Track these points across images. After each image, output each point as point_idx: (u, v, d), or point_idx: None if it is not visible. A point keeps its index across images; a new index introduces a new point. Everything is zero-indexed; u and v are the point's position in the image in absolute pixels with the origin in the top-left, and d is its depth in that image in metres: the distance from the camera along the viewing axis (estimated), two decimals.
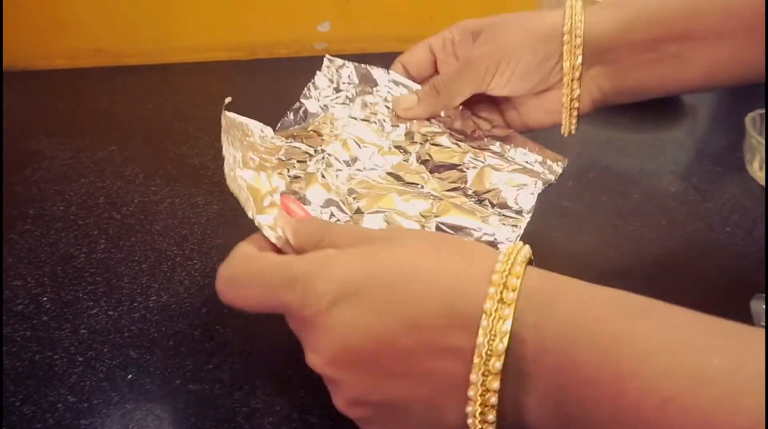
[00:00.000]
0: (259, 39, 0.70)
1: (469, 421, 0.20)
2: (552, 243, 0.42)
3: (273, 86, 0.65)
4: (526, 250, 0.22)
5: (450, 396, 0.20)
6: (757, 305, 0.34)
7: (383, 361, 0.20)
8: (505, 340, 0.19)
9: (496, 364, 0.18)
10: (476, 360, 0.19)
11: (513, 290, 0.19)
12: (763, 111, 0.49)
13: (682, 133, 0.59)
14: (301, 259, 0.22)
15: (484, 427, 0.19)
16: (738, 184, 0.49)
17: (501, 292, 0.19)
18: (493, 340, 0.19)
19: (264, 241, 0.27)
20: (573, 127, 0.36)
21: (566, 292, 0.20)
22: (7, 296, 0.36)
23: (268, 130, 0.35)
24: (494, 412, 0.19)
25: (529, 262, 0.22)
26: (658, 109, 0.64)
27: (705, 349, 0.16)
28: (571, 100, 0.34)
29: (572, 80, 0.33)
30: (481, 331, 0.19)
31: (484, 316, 0.19)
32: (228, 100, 0.31)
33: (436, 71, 0.39)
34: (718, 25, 0.30)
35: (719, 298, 0.38)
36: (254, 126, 0.35)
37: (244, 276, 0.24)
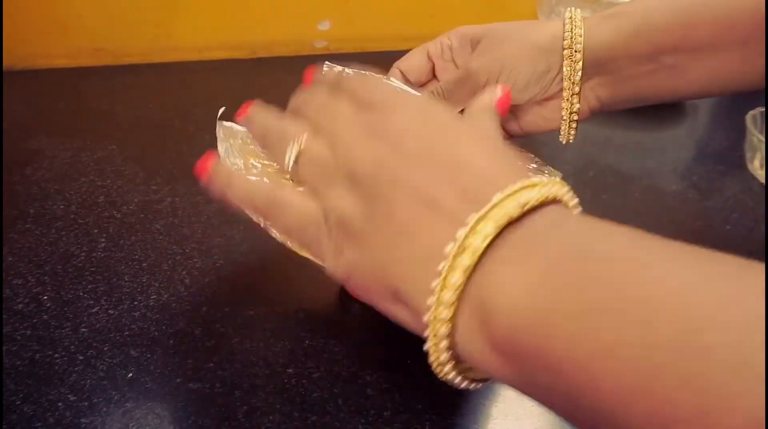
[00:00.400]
0: (259, 38, 0.70)
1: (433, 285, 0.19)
2: None
3: (273, 85, 0.65)
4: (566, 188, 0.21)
5: (437, 234, 0.19)
6: None
7: (417, 163, 0.21)
8: (499, 226, 0.18)
9: (489, 227, 0.18)
10: (471, 216, 0.19)
11: (538, 200, 0.19)
12: (764, 109, 0.49)
13: (682, 132, 0.59)
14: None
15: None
16: (739, 183, 0.49)
17: (522, 189, 0.19)
18: (498, 208, 0.19)
19: None
20: (572, 137, 0.36)
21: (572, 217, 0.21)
22: (8, 295, 0.36)
23: None
24: (462, 274, 0.18)
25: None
26: (659, 107, 0.64)
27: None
28: (571, 113, 0.34)
29: (572, 95, 0.33)
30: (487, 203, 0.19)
31: (500, 191, 0.19)
32: (222, 110, 0.31)
33: (434, 77, 0.39)
34: (714, 37, 0.31)
35: None
36: None
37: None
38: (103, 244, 0.40)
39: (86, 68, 0.66)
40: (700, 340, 0.14)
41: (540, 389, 0.18)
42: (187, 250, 0.40)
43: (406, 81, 0.38)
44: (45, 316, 0.34)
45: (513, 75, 0.33)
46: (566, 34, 0.32)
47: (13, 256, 0.39)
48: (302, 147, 0.25)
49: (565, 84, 0.33)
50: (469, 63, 0.34)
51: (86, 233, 0.41)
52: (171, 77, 0.65)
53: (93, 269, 0.38)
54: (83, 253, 0.39)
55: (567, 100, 0.34)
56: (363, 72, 0.31)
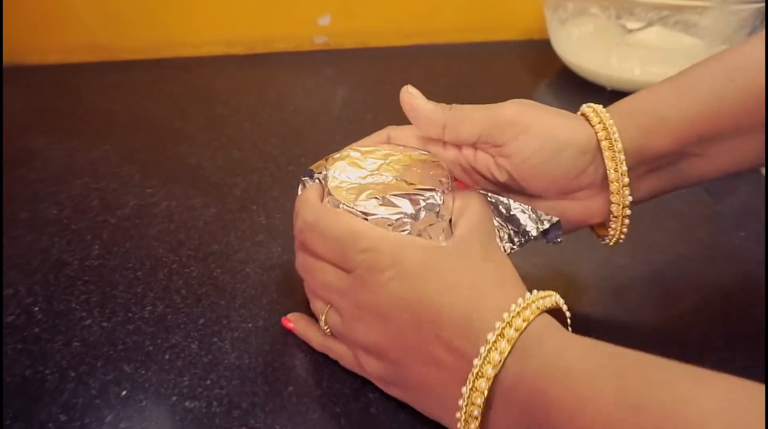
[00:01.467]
0: (258, 33, 0.68)
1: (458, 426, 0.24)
2: (559, 248, 0.40)
3: (272, 81, 0.64)
4: (549, 301, 0.25)
5: (449, 387, 0.24)
6: None
7: (408, 330, 0.25)
8: (495, 369, 0.23)
9: (482, 383, 0.23)
10: (469, 376, 0.23)
11: (516, 330, 0.23)
12: None
13: None
14: (378, 234, 0.27)
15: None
16: (751, 186, 0.48)
17: (503, 329, 0.23)
18: (486, 365, 0.23)
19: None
20: (623, 237, 0.33)
21: (551, 337, 0.24)
22: None
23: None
24: (476, 422, 0.23)
25: (555, 311, 0.25)
26: None
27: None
28: (623, 207, 0.31)
29: (622, 187, 0.30)
30: (477, 358, 0.23)
31: (483, 345, 0.23)
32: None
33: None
34: (738, 123, 0.30)
35: (734, 307, 0.37)
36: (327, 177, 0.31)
37: (328, 225, 0.28)
38: (96, 251, 0.39)
39: (81, 64, 0.64)
40: None
41: None
42: (183, 258, 0.38)
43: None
44: (36, 330, 0.33)
45: (545, 133, 0.30)
46: (599, 130, 0.30)
47: (4, 263, 0.38)
48: (324, 320, 0.30)
49: (612, 177, 0.30)
50: (501, 105, 0.31)
51: (80, 239, 0.40)
52: (167, 74, 0.64)
53: (86, 278, 0.37)
54: (76, 261, 0.38)
55: (617, 192, 0.30)
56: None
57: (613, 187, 0.30)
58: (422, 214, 0.28)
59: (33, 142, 0.50)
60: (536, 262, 0.39)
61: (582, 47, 0.62)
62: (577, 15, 0.62)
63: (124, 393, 0.30)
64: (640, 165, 0.31)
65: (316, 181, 0.32)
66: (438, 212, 0.29)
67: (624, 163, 0.30)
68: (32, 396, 0.29)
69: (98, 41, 0.65)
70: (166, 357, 0.32)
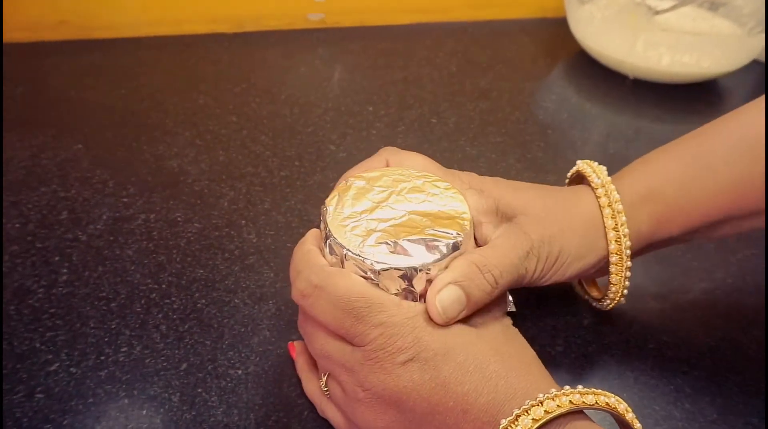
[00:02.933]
0: (246, 9, 0.62)
1: None
2: None
3: (262, 64, 0.58)
4: (571, 401, 0.21)
5: None
6: None
7: (426, 419, 0.23)
8: None
9: None
10: None
11: (535, 420, 0.21)
12: None
13: None
14: (395, 308, 0.23)
15: None
16: None
17: (519, 417, 0.21)
18: None
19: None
20: (622, 301, 0.31)
21: None
22: None
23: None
24: None
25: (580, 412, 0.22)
26: (692, 96, 0.57)
27: None
28: (623, 288, 0.30)
29: (624, 279, 0.29)
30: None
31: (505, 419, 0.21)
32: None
33: None
34: (758, 205, 0.28)
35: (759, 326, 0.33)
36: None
37: (336, 298, 0.23)
38: (65, 277, 0.34)
39: (48, 43, 0.58)
40: None
41: None
42: (163, 286, 0.34)
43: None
44: None
45: (571, 245, 0.28)
46: (611, 242, 0.28)
47: None
48: (324, 382, 0.26)
49: (614, 272, 0.29)
50: (520, 222, 0.27)
51: (45, 262, 0.35)
52: (145, 55, 0.58)
53: (53, 311, 0.32)
54: (41, 289, 0.34)
55: (617, 284, 0.29)
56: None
57: (614, 279, 0.29)
58: (440, 263, 0.24)
59: None
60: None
61: (603, 31, 0.56)
62: None
63: None
64: (643, 249, 0.30)
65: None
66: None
67: (629, 250, 0.28)
68: None
69: (67, 18, 0.58)
70: (144, 412, 0.28)
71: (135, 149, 0.45)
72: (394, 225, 0.25)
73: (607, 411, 0.22)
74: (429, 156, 0.29)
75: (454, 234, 0.25)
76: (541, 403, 0.21)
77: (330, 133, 0.48)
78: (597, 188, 0.29)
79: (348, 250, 0.24)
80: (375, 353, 0.23)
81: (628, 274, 0.29)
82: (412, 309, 0.23)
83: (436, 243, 0.24)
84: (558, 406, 0.21)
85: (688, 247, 0.39)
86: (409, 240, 0.24)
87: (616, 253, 0.28)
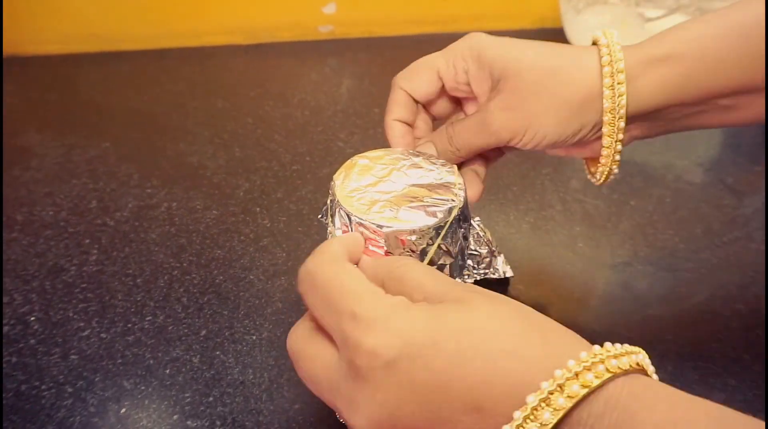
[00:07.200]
0: (261, 21, 0.66)
1: None
2: (579, 253, 0.39)
3: (275, 72, 0.62)
4: (619, 363, 0.18)
5: None
6: None
7: (439, 413, 0.19)
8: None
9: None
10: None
11: (570, 397, 0.18)
12: None
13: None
14: (372, 300, 0.21)
15: None
16: None
17: (550, 393, 0.18)
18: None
19: (358, 242, 0.26)
20: (611, 177, 0.32)
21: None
22: None
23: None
24: None
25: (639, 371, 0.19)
26: None
27: None
28: (610, 170, 0.31)
29: (614, 152, 0.30)
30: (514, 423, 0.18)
31: (519, 410, 0.18)
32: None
33: (444, 94, 0.33)
34: None
35: (760, 314, 0.35)
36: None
37: (320, 283, 0.22)
38: (95, 257, 0.37)
39: (79, 55, 0.62)
40: None
41: None
42: (184, 264, 0.37)
43: (412, 101, 0.32)
44: (32, 341, 0.32)
45: (540, 134, 0.29)
46: (606, 92, 0.28)
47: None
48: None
49: (606, 143, 0.29)
50: (489, 117, 0.29)
51: (77, 244, 0.38)
52: (168, 65, 0.62)
53: (84, 285, 0.35)
54: (73, 267, 0.37)
55: (608, 156, 0.30)
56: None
57: (605, 151, 0.30)
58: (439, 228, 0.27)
59: (29, 139, 0.49)
60: (553, 263, 0.38)
61: None
62: (592, 3, 0.59)
63: (123, 411, 0.28)
64: (659, 118, 0.29)
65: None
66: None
67: (622, 132, 0.28)
68: (27, 413, 0.28)
69: (96, 31, 0.63)
70: (167, 372, 0.30)
71: (158, 147, 0.49)
72: (395, 196, 0.28)
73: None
74: None
75: (450, 200, 0.27)
76: (577, 375, 0.18)
77: (339, 131, 0.51)
78: (602, 47, 0.28)
79: (356, 215, 0.27)
80: (355, 358, 0.20)
81: (620, 137, 0.28)
82: (382, 302, 0.21)
83: (434, 208, 0.27)
84: (596, 376, 0.18)
85: (676, 231, 0.41)
86: (410, 207, 0.27)
87: (610, 112, 0.28)
